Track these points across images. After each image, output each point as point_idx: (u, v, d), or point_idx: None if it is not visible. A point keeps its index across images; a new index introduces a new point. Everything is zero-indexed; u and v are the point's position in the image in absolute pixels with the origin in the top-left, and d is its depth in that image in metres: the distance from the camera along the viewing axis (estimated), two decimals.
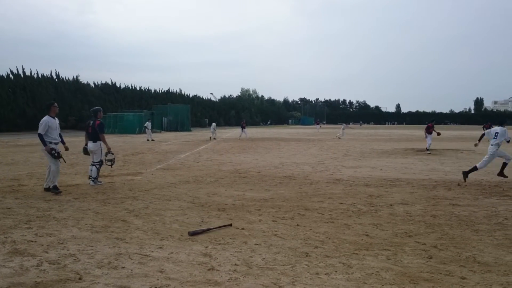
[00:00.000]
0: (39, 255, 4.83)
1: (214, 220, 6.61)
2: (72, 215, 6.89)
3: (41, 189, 9.34)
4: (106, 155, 10.51)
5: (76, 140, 32.62)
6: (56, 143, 9.08)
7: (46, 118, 9.04)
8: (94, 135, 10.25)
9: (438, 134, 21.13)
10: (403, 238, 5.62)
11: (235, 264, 4.57)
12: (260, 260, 4.71)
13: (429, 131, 20.38)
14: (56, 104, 9.57)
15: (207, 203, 7.99)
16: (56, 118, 9.42)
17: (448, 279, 4.20)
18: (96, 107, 10.76)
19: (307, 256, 4.88)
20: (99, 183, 10.15)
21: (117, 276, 4.21)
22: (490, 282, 4.14)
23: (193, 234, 5.67)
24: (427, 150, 19.91)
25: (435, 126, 21.44)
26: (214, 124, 38.01)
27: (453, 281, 4.15)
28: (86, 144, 10.48)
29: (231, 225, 6.12)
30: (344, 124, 48.33)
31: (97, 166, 10.20)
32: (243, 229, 6.07)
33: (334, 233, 5.86)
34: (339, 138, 35.98)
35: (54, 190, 8.84)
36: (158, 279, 4.13)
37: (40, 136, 8.86)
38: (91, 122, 10.37)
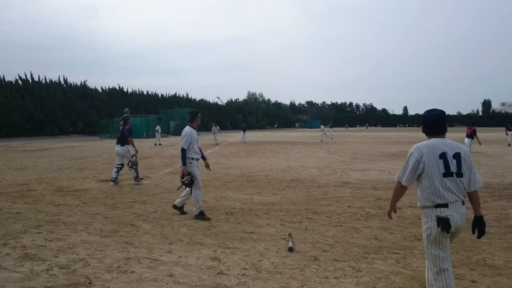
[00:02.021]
0: (49, 259, 4.86)
1: (222, 224, 6.62)
2: (81, 219, 6.93)
3: (50, 193, 9.41)
4: (132, 157, 11.16)
5: (84, 145, 32.80)
6: (197, 159, 7.32)
7: (188, 129, 7.21)
8: (122, 139, 10.92)
9: (479, 143, 17.78)
10: (412, 242, 5.59)
11: (244, 268, 4.57)
12: (269, 264, 4.71)
13: (471, 136, 17.38)
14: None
15: (215, 207, 8.00)
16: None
17: (458, 282, 4.17)
18: (125, 115, 11.61)
19: (315, 260, 4.87)
20: (140, 180, 11.12)
21: (126, 280, 4.22)
22: (500, 285, 4.11)
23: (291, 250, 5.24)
24: None
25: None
26: (215, 127, 35.47)
27: (464, 284, 4.13)
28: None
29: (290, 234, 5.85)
30: (322, 126, 44.35)
31: (134, 167, 11.02)
32: (251, 233, 6.07)
33: (342, 237, 5.85)
34: (321, 141, 35.57)
35: (201, 216, 7.08)
36: (167, 283, 4.14)
37: (183, 152, 7.09)
38: (121, 127, 11.17)
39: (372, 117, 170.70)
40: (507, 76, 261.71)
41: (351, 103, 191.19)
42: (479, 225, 3.37)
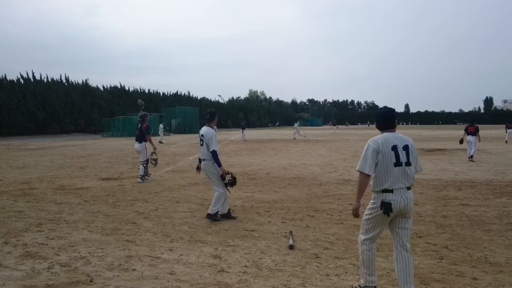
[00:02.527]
0: (51, 258, 4.87)
1: (223, 222, 6.62)
2: (82, 217, 6.94)
3: (51, 192, 9.43)
4: (151, 154, 11.57)
5: (86, 143, 32.84)
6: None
7: (210, 130, 6.94)
8: (140, 137, 11.24)
9: (461, 142, 16.79)
10: (414, 239, 5.58)
11: (245, 266, 4.57)
12: (270, 262, 4.71)
13: (474, 133, 16.32)
14: None
15: None
16: None
17: (459, 279, 4.17)
18: (143, 113, 11.76)
19: (317, 257, 4.87)
20: (146, 180, 11.14)
21: (127, 278, 4.23)
22: (502, 282, 4.10)
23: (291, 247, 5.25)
24: (471, 158, 15.99)
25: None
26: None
27: (465, 281, 4.12)
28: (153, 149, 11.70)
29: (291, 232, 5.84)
30: (296, 124, 41.87)
31: (144, 165, 11.18)
32: (252, 230, 6.08)
33: (344, 234, 5.85)
34: (294, 138, 35.23)
35: (228, 216, 6.88)
36: (168, 281, 4.14)
37: (215, 154, 6.77)
38: (139, 125, 11.42)
39: (373, 114, 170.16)
40: (509, 74, 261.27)
41: (352, 101, 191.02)
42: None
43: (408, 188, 3.76)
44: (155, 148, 11.64)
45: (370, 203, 3.87)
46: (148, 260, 4.78)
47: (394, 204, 3.68)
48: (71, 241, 5.56)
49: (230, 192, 7.09)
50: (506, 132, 28.24)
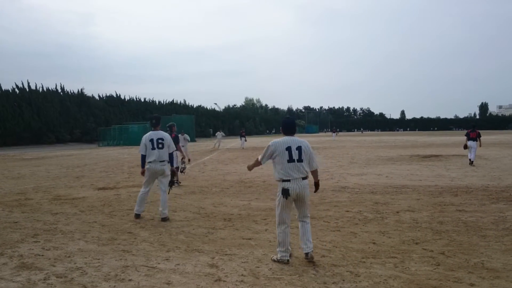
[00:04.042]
0: (46, 268, 4.83)
1: (220, 230, 6.61)
2: (78, 228, 6.91)
3: (47, 202, 9.38)
4: (182, 162, 12.33)
5: (81, 153, 32.75)
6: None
7: (167, 134, 8.09)
8: None
9: (465, 147, 17.05)
10: (410, 246, 5.59)
11: (242, 275, 4.56)
12: (267, 270, 4.70)
13: (476, 139, 16.63)
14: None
15: (213, 213, 7.99)
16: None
17: (456, 286, 4.18)
18: (171, 123, 12.19)
19: (314, 265, 4.86)
20: (179, 184, 11.72)
21: None
22: None
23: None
24: (471, 163, 16.30)
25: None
26: (221, 133, 37.12)
27: (462, 287, 4.12)
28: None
29: None
30: (218, 133, 38.77)
31: (180, 171, 11.92)
32: (249, 239, 6.06)
33: (341, 242, 5.84)
34: (213, 147, 34.97)
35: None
36: None
37: (172, 155, 8.10)
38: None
39: (369, 121, 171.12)
40: (504, 79, 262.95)
41: (348, 108, 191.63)
42: (317, 186, 5.45)
43: (304, 178, 4.99)
44: (183, 157, 12.39)
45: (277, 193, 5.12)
46: (144, 270, 4.76)
47: (291, 190, 4.92)
48: (67, 251, 5.53)
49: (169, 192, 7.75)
50: None
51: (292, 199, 5.01)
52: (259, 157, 5.24)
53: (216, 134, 37.07)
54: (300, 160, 4.97)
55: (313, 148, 5.40)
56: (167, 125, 12.45)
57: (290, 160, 4.95)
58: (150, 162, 7.45)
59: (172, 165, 7.55)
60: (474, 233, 6.17)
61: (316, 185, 5.44)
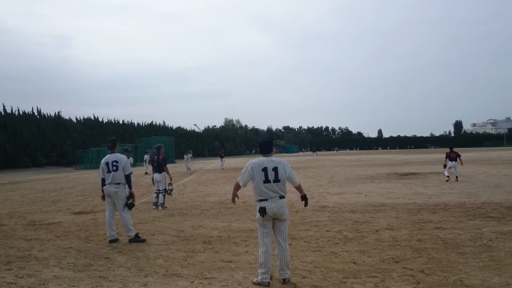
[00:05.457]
0: None
1: (199, 253, 6.51)
2: (53, 254, 6.72)
3: (21, 228, 9.12)
4: (168, 185, 12.13)
5: (58, 176, 32.13)
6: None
7: (123, 156, 7.94)
8: (159, 167, 12.04)
9: (445, 166, 17.87)
10: (390, 264, 5.60)
11: None
12: None
13: (456, 159, 17.59)
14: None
15: (192, 236, 7.88)
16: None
17: None
18: (158, 144, 12.72)
19: (295, 287, 4.82)
20: (166, 208, 11.66)
21: None
22: None
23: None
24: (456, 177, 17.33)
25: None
26: (189, 155, 31.77)
27: None
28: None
29: None
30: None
31: (163, 193, 11.81)
32: (229, 261, 5.99)
33: (321, 262, 5.82)
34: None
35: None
36: None
37: (129, 177, 7.71)
38: (155, 157, 12.40)
39: (348, 140, 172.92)
40: (477, 97, 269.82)
41: (327, 127, 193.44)
42: (305, 199, 5.45)
43: (281, 197, 5.03)
44: (171, 179, 12.26)
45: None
46: None
47: (268, 208, 4.94)
48: (41, 279, 5.36)
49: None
50: None
51: (271, 218, 5.01)
52: (239, 180, 5.22)
53: (184, 157, 32.77)
54: (276, 180, 5.01)
55: (293, 168, 5.41)
56: (155, 146, 12.82)
57: (266, 180, 4.99)
58: (105, 184, 7.57)
59: (129, 187, 7.53)
60: (452, 250, 6.23)
61: (304, 198, 5.44)
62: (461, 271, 5.20)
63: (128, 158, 12.43)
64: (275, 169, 5.02)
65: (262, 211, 4.95)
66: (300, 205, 11.37)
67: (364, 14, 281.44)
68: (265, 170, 5.00)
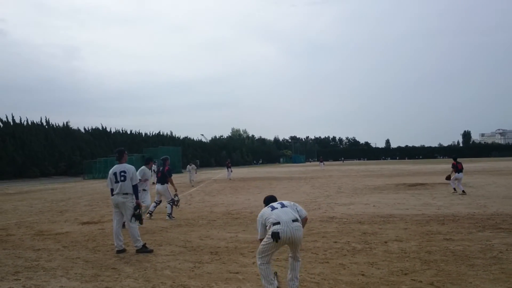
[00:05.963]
0: None
1: (206, 264, 6.49)
2: (61, 264, 6.73)
3: (30, 238, 9.15)
4: (174, 196, 12.07)
5: (66, 186, 32.29)
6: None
7: (131, 166, 7.99)
8: (163, 179, 11.97)
9: (447, 178, 17.32)
10: (399, 276, 5.54)
11: None
12: None
13: (462, 170, 16.82)
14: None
15: (199, 246, 7.86)
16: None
17: None
18: (164, 156, 12.79)
19: None
20: (173, 218, 11.66)
21: None
22: None
23: None
24: (463, 191, 16.12)
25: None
26: (191, 165, 30.40)
27: None
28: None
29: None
30: (190, 165, 30.64)
31: (171, 204, 11.83)
32: (237, 273, 5.96)
33: (329, 274, 5.77)
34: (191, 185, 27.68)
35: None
36: None
37: (137, 187, 7.83)
38: (161, 168, 12.32)
39: (355, 150, 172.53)
40: (486, 107, 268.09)
41: (334, 137, 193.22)
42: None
43: (294, 221, 4.84)
44: (176, 190, 12.24)
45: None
46: None
47: (281, 232, 4.73)
48: None
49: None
50: None
51: (284, 244, 4.87)
52: (258, 237, 5.18)
53: (186, 168, 31.06)
54: (284, 206, 5.03)
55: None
56: (161, 158, 12.89)
57: (274, 208, 4.99)
58: (113, 194, 7.63)
59: (136, 197, 7.57)
60: (462, 262, 6.16)
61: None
62: (471, 284, 5.13)
63: (151, 168, 12.46)
64: (282, 204, 5.13)
65: (275, 236, 4.78)
66: (307, 215, 11.32)
67: (370, 24, 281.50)
68: (272, 206, 5.09)
